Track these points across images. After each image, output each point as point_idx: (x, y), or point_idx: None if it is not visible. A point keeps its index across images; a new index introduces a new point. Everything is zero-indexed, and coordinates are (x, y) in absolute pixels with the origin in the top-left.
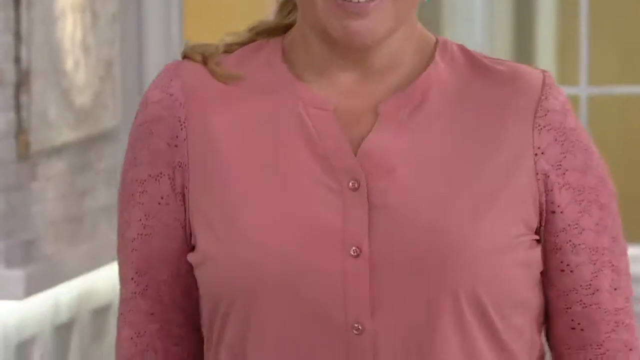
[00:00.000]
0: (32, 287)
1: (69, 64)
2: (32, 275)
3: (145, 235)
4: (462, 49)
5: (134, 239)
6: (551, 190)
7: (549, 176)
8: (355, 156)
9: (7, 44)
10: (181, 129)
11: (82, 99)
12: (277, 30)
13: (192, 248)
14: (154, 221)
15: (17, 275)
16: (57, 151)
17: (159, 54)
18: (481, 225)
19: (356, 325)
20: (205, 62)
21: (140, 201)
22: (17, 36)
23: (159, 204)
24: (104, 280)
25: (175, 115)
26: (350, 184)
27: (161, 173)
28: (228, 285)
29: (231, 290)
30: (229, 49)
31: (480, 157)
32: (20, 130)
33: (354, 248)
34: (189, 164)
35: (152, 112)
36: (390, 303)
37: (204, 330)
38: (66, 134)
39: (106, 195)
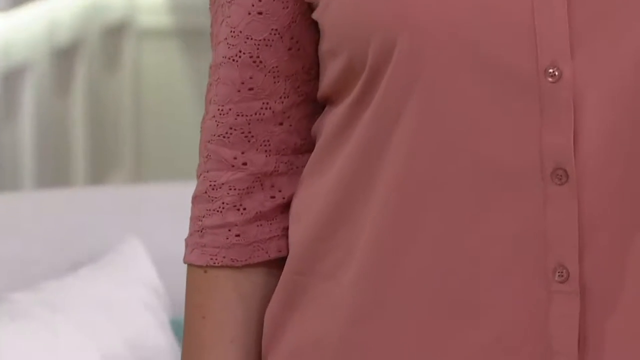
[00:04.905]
0: None
1: None
2: None
3: None
4: None
5: None
6: None
7: None
8: None
9: None
10: None
11: None
12: None
13: None
14: None
15: None
16: None
17: None
18: None
19: (551, 70)
20: None
21: None
22: None
23: None
24: None
25: None
26: None
27: None
28: (365, 34)
29: (372, 41)
30: None
31: None
32: None
33: None
34: None
35: None
36: (597, 40)
37: (326, 100)
38: None
39: None
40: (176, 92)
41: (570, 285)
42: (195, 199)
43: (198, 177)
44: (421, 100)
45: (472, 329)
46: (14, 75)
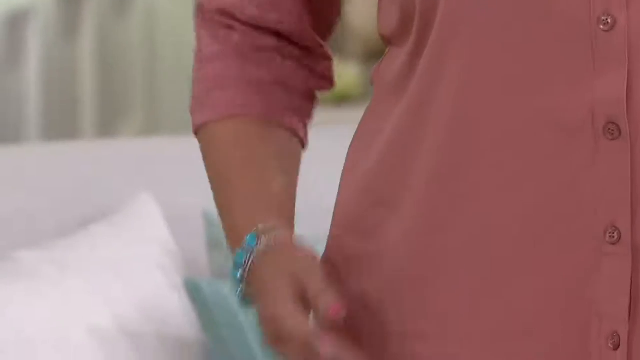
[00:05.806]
0: None
1: None
2: None
3: None
4: None
5: None
6: None
7: None
8: None
9: None
10: None
11: None
12: None
13: None
14: None
15: None
16: None
17: None
18: None
19: (604, 18)
20: None
21: None
22: None
23: None
24: None
25: None
26: None
27: None
28: None
29: None
30: None
31: None
32: None
33: None
34: None
35: None
36: None
37: (387, 42)
38: None
39: None
40: (191, 37)
41: (622, 246)
42: None
43: None
44: (469, 50)
45: (516, 289)
46: (18, 20)
